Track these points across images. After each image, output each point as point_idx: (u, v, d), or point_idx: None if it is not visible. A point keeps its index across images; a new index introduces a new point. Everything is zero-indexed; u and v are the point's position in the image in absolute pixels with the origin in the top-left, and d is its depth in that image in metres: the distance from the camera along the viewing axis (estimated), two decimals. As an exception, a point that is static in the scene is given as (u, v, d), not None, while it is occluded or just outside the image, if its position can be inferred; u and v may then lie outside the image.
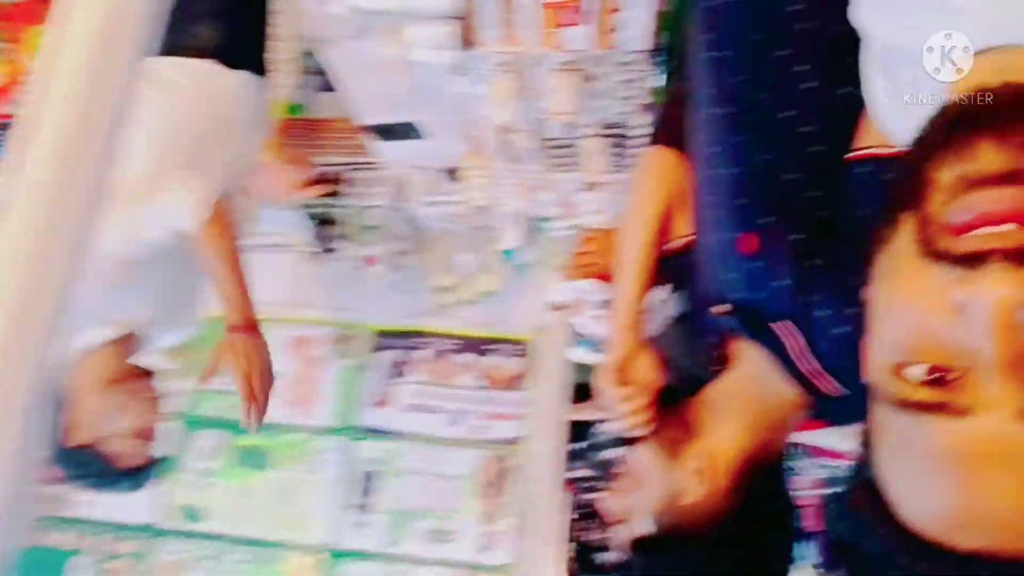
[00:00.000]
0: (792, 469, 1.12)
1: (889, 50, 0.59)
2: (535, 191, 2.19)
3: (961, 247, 0.42)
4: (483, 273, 2.54)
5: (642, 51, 1.65)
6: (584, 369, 3.19)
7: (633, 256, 1.27)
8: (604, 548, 2.60)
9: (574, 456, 2.92)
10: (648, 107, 1.84)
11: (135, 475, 1.77)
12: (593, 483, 2.72)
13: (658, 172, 1.23)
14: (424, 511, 2.59)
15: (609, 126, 1.89)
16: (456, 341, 2.73)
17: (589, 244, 1.53)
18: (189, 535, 2.67)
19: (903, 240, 0.46)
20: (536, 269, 2.58)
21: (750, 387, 1.06)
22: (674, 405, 1.11)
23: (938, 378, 0.43)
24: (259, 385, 1.76)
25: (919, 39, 0.53)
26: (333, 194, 2.38)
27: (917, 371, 0.44)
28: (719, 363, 1.11)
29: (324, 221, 2.43)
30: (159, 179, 1.65)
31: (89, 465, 1.71)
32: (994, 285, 0.40)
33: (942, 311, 0.43)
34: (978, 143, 0.43)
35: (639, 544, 1.11)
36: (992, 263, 0.41)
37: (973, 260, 0.41)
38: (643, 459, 1.13)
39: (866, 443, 0.50)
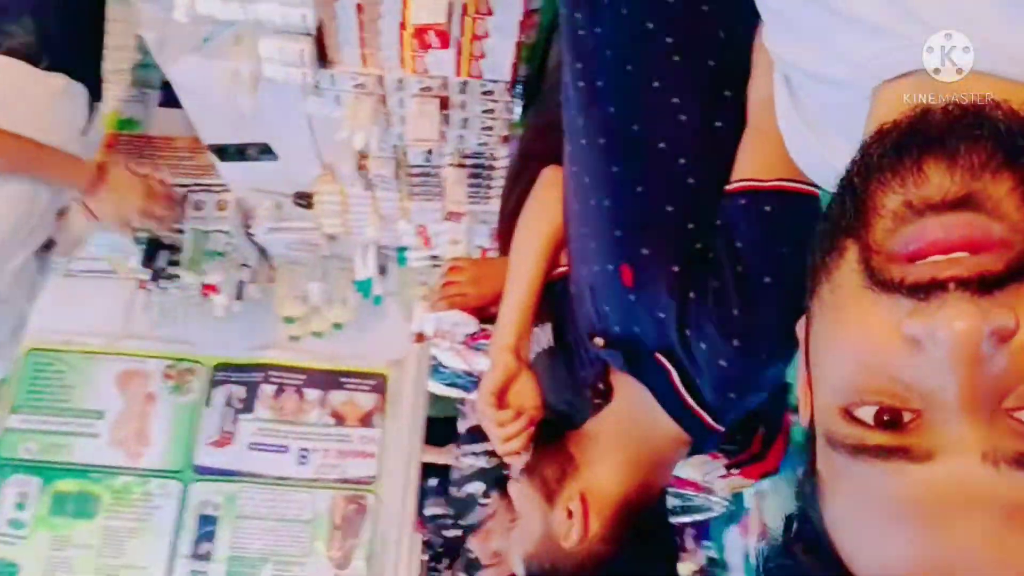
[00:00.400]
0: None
1: (797, 74, 0.57)
2: (392, 220, 2.12)
3: (913, 276, 0.39)
4: (335, 304, 2.42)
5: (503, 81, 1.63)
6: (440, 403, 3.13)
7: (523, 275, 1.23)
8: (458, 588, 2.53)
9: (427, 493, 2.84)
10: (507, 139, 1.82)
11: None
12: (447, 521, 2.65)
13: (556, 190, 1.20)
14: (268, 557, 2.42)
15: (469, 155, 1.86)
16: (305, 375, 2.59)
17: (457, 274, 1.47)
18: (-7, 595, 2.37)
19: (847, 270, 0.42)
20: (391, 301, 2.50)
21: (630, 424, 1.03)
22: (552, 442, 1.07)
23: (890, 420, 0.40)
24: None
25: (829, 65, 0.52)
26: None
27: (867, 413, 0.40)
28: (600, 397, 1.08)
29: (155, 245, 2.24)
30: None
31: None
32: (953, 316, 0.37)
33: (894, 346, 0.39)
34: (926, 165, 0.40)
35: None
36: (949, 292, 0.37)
37: (927, 289, 0.38)
38: (519, 497, 1.08)
39: (810, 491, 0.46)
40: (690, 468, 2.10)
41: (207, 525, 2.45)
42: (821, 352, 0.45)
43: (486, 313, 1.46)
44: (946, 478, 0.38)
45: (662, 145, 1.02)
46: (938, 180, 0.39)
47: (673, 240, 0.99)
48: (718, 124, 1.02)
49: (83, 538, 2.42)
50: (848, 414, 0.41)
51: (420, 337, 1.62)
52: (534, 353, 1.37)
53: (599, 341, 1.06)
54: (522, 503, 1.07)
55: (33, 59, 1.63)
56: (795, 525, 0.47)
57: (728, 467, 2.06)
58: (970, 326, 0.36)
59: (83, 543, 2.41)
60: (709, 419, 1.00)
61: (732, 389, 0.97)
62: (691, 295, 0.95)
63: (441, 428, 3.12)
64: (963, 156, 0.39)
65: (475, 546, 1.40)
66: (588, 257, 1.07)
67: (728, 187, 0.96)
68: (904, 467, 0.39)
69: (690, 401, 0.99)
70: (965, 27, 0.44)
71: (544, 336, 1.36)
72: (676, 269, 0.97)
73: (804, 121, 0.58)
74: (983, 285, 0.37)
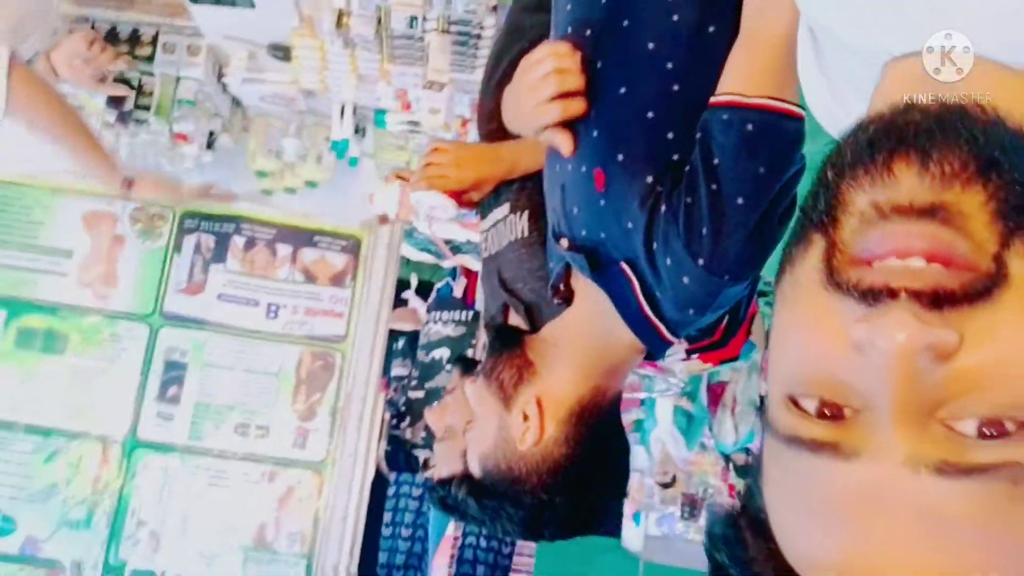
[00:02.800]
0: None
1: (822, 30, 0.53)
2: (371, 81, 2.03)
3: (867, 281, 0.38)
4: (309, 161, 2.36)
5: (497, -53, 1.53)
6: (410, 267, 3.13)
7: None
8: (417, 446, 2.62)
9: (393, 354, 2.89)
10: (496, 8, 1.73)
11: None
12: (412, 382, 2.71)
13: None
14: (234, 406, 2.48)
15: (455, 23, 1.76)
16: (276, 230, 2.56)
17: (439, 155, 1.41)
18: (-37, 422, 2.42)
19: (809, 266, 0.41)
20: (368, 162, 2.44)
21: (587, 330, 1.03)
22: (510, 347, 1.07)
23: (831, 414, 0.40)
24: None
25: (847, 29, 0.48)
26: (132, 57, 2.08)
27: (810, 404, 0.41)
28: (560, 298, 1.08)
29: (121, 84, 2.13)
30: None
31: None
32: (895, 327, 0.36)
33: (840, 348, 0.39)
34: (897, 166, 0.38)
35: (469, 486, 1.08)
36: (897, 302, 0.37)
37: (877, 295, 0.37)
38: (475, 399, 1.09)
39: (755, 471, 0.47)
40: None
41: (175, 370, 2.48)
42: (776, 340, 0.44)
43: (465, 198, 1.43)
44: (867, 478, 0.39)
45: (651, 45, 0.96)
46: (907, 183, 0.38)
47: (651, 149, 0.95)
48: (711, 29, 0.96)
49: (50, 374, 2.45)
50: (792, 402, 0.42)
51: (384, 219, 1.57)
52: (508, 241, 1.35)
53: (564, 243, 1.04)
54: (478, 405, 1.08)
55: None
56: (746, 502, 0.48)
57: (689, 352, 2.10)
58: (909, 339, 0.36)
59: (50, 379, 2.45)
60: (666, 331, 0.99)
61: (692, 306, 0.96)
62: (662, 208, 0.92)
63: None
64: (935, 161, 0.37)
65: (430, 418, 1.44)
66: (560, 154, 1.03)
67: (712, 100, 0.91)
68: (830, 463, 0.40)
69: (649, 312, 0.98)
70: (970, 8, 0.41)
71: (520, 224, 1.33)
72: (650, 180, 0.94)
73: (826, 77, 0.55)
74: (935, 301, 0.36)
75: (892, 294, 0.37)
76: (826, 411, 0.40)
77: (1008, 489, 0.36)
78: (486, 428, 1.07)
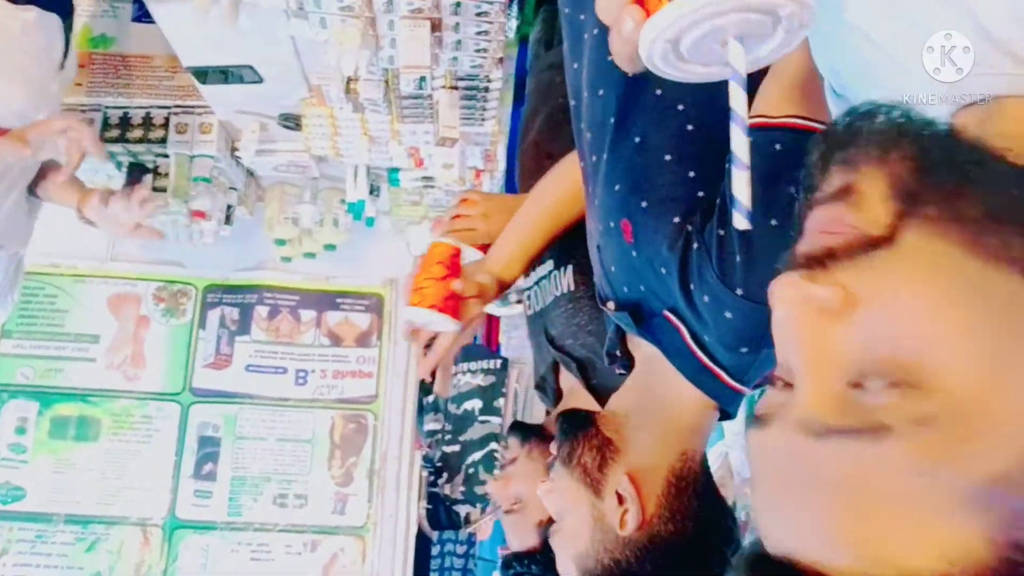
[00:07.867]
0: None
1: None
2: (382, 142, 2.04)
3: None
4: (326, 225, 2.37)
5: (499, 2, 1.54)
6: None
7: (529, 214, 1.23)
8: (458, 501, 2.58)
9: (424, 409, 2.87)
10: (502, 60, 1.74)
11: None
12: (445, 436, 2.69)
13: None
14: (270, 477, 2.46)
15: (462, 78, 1.77)
16: (299, 296, 2.56)
17: (468, 207, 1.40)
18: (4, 517, 2.41)
19: None
20: (384, 221, 2.45)
21: (652, 393, 0.98)
22: (583, 428, 1.01)
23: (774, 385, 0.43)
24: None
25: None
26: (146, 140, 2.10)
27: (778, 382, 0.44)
28: (615, 363, 1.04)
29: (137, 168, 2.15)
30: None
31: None
32: (777, 283, 0.40)
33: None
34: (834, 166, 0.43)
35: None
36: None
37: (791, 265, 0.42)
38: (555, 497, 1.02)
39: None
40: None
41: (209, 446, 2.48)
42: None
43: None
44: (768, 442, 0.40)
45: (659, 91, 0.95)
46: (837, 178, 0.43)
47: (672, 190, 0.92)
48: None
49: (85, 461, 2.44)
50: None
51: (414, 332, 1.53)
52: (553, 297, 1.33)
53: (611, 305, 1.02)
54: (563, 501, 0.99)
55: None
56: None
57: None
58: (787, 292, 0.39)
59: (85, 466, 2.44)
60: (727, 377, 0.94)
61: (742, 343, 0.90)
62: (694, 246, 0.90)
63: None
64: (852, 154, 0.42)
65: (494, 491, 1.38)
66: (593, 215, 1.02)
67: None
68: (755, 433, 0.41)
69: (704, 359, 0.93)
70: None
71: (565, 279, 1.31)
72: (676, 220, 0.90)
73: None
74: (820, 260, 0.39)
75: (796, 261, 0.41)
76: (766, 386, 0.44)
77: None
78: (578, 524, 0.96)
